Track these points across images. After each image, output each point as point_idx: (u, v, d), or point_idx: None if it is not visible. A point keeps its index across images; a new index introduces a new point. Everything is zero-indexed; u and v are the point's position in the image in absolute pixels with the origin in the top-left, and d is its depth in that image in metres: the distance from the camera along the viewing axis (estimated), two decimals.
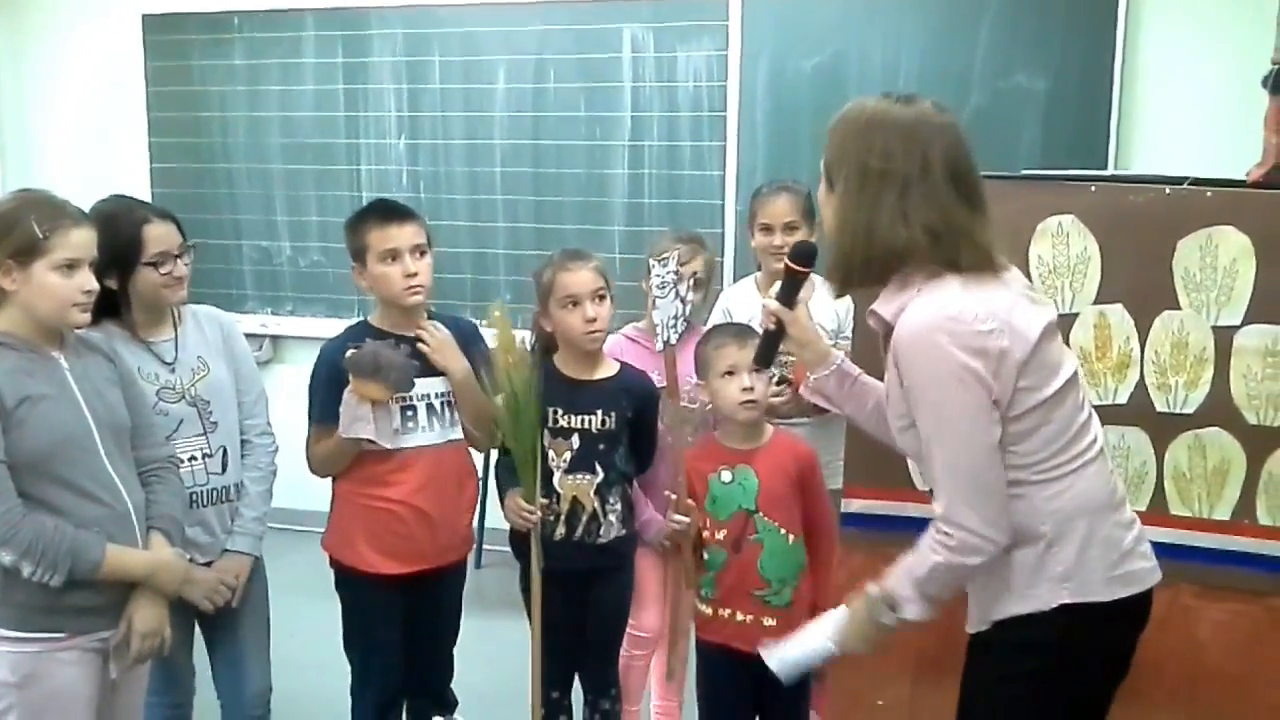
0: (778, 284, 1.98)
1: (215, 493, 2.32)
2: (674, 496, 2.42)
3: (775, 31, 3.97)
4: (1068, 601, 1.65)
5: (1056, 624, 1.65)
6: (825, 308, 2.63)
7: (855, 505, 2.19)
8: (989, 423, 1.60)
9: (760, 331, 2.01)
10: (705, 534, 2.37)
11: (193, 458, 2.27)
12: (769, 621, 2.30)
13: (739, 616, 2.33)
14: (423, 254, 2.41)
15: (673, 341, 2.42)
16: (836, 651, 1.77)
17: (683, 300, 2.39)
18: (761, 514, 2.31)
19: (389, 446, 2.37)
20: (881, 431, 1.90)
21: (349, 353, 2.30)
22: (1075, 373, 1.70)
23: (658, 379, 2.57)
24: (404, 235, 2.38)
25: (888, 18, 3.86)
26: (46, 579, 1.86)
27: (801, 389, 2.03)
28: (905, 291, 1.65)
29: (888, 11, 3.86)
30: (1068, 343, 2.07)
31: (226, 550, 2.33)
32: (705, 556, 2.38)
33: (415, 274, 2.37)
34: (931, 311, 1.60)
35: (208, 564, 2.30)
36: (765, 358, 2.02)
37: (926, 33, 3.84)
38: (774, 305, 1.91)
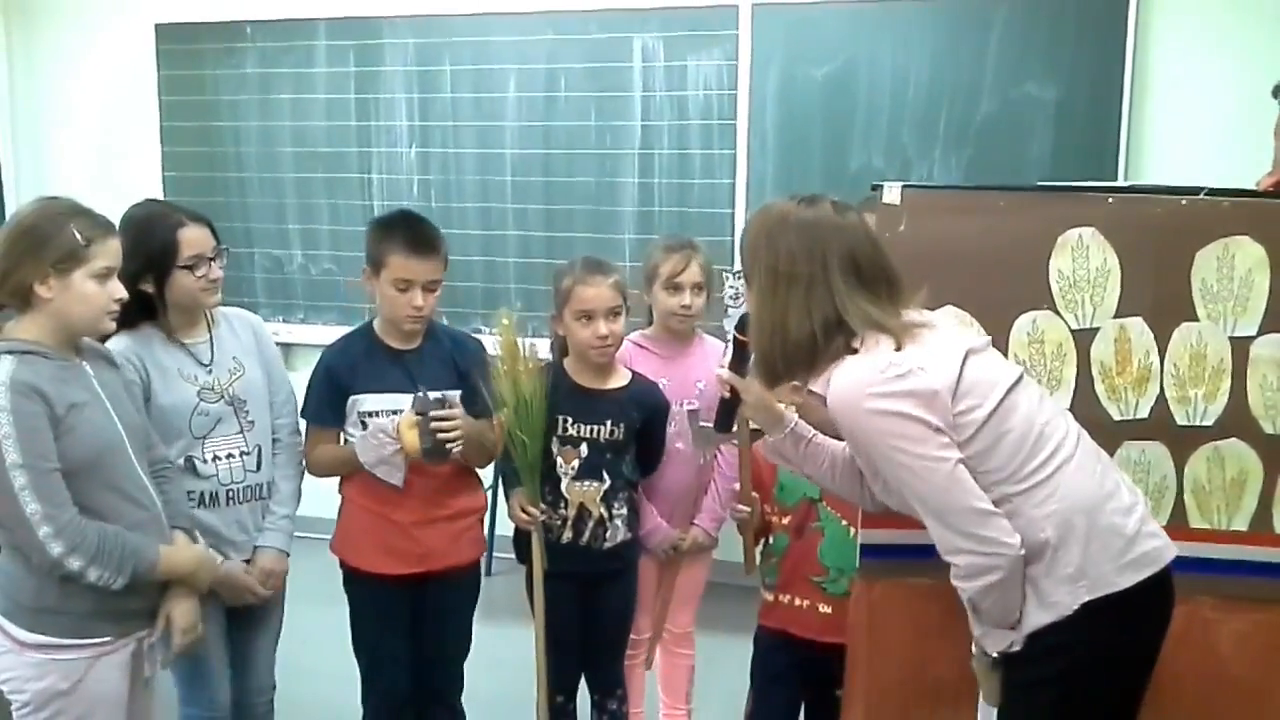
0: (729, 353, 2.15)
1: (250, 490, 2.34)
2: (737, 485, 2.51)
3: (785, 40, 3.98)
4: (1088, 599, 1.69)
5: (1083, 623, 1.70)
6: None
7: (873, 536, 2.14)
8: (941, 449, 1.69)
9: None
10: (772, 520, 2.46)
11: (230, 455, 2.30)
12: (824, 609, 2.36)
13: (797, 602, 2.40)
14: (433, 289, 2.42)
15: None
16: (994, 706, 1.89)
17: None
18: (825, 503, 2.36)
19: (399, 486, 2.41)
20: (843, 488, 2.03)
21: (416, 426, 2.31)
22: (1019, 379, 1.78)
23: (665, 386, 2.61)
24: (423, 271, 2.38)
25: (898, 27, 3.87)
26: (112, 582, 1.89)
27: (763, 452, 2.16)
28: (831, 366, 1.77)
29: (898, 20, 3.87)
30: (1087, 358, 2.09)
31: (260, 547, 2.36)
32: (770, 541, 2.46)
33: (419, 307, 2.39)
34: (849, 374, 1.73)
35: (246, 561, 2.33)
36: (725, 424, 2.15)
37: (936, 41, 3.85)
38: (727, 375, 2.06)
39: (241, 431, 2.32)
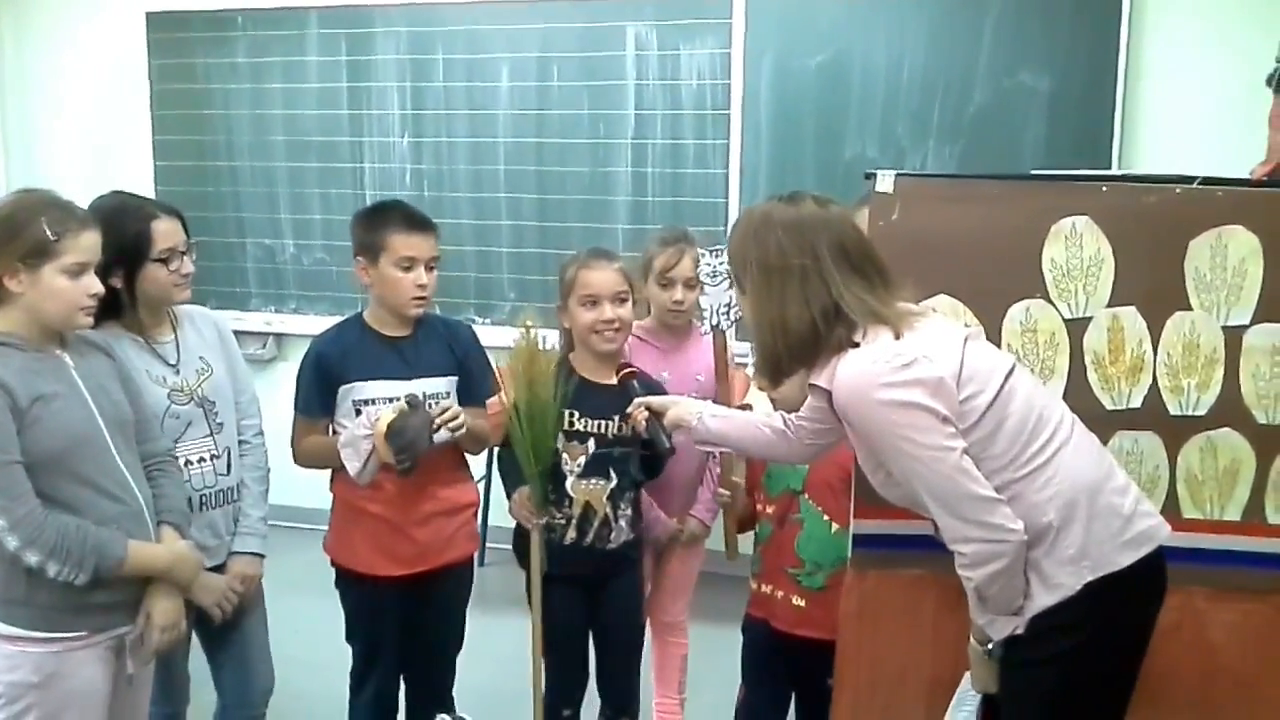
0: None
1: (222, 494, 2.29)
2: (719, 470, 2.53)
3: (779, 29, 3.97)
4: (1090, 579, 1.72)
5: (1086, 603, 1.73)
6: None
7: (866, 526, 2.11)
8: (948, 438, 1.71)
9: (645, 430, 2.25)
10: (757, 508, 2.46)
11: (201, 459, 2.25)
12: (798, 601, 2.35)
13: (776, 593, 2.39)
14: (433, 267, 2.43)
15: (724, 327, 2.48)
16: (980, 693, 1.93)
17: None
18: (807, 496, 2.35)
19: (362, 485, 2.36)
20: (773, 451, 2.12)
21: (399, 412, 2.27)
22: (1013, 366, 1.81)
23: (666, 380, 2.58)
24: (425, 247, 2.40)
25: (891, 16, 3.87)
26: (72, 578, 1.86)
27: (695, 442, 2.22)
28: (832, 359, 1.79)
29: (891, 10, 3.86)
30: (1080, 347, 2.09)
31: (235, 552, 2.32)
32: (758, 530, 2.47)
33: (424, 285, 2.39)
34: (855, 365, 1.75)
35: (217, 567, 2.27)
36: (662, 445, 2.24)
37: (930, 31, 3.84)
38: (643, 403, 2.21)
39: (211, 434, 2.27)
